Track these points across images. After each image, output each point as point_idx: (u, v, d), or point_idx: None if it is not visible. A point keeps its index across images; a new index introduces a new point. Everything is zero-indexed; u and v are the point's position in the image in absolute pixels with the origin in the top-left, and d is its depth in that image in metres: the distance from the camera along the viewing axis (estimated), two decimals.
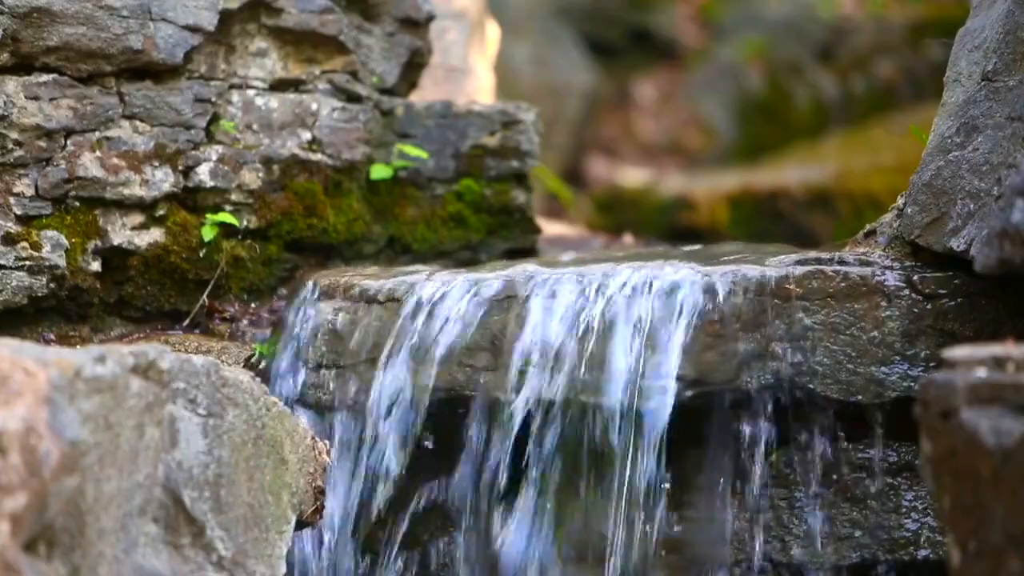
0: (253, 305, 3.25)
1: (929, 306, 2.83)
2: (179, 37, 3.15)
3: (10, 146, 3.02)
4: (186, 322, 3.20)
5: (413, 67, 3.51)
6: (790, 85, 7.61)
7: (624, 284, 2.87)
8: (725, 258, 3.05)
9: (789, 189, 6.16)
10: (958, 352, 2.15)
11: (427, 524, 2.96)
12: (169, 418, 2.38)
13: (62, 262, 3.04)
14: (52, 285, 3.04)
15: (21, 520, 2.02)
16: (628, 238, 4.34)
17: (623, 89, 8.05)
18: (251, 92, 3.28)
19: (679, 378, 2.80)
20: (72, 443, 2.11)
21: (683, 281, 2.85)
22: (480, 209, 3.45)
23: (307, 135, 3.31)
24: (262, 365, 3.10)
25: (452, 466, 2.93)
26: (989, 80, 2.88)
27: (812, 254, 2.99)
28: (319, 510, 2.63)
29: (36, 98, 3.04)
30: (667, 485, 2.86)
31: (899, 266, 2.89)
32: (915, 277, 2.85)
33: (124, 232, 3.14)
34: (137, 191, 3.13)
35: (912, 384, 2.78)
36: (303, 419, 2.92)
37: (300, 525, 2.60)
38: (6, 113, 3.01)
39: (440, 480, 2.95)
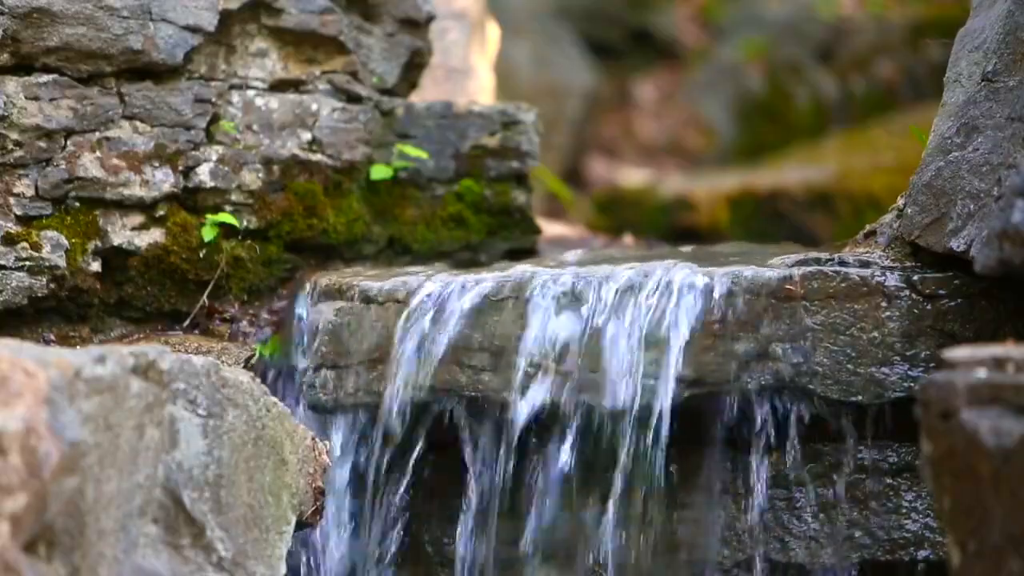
0: (253, 306, 3.25)
1: (929, 307, 2.83)
2: (179, 37, 3.15)
3: (10, 146, 3.02)
4: (186, 323, 3.20)
5: (413, 67, 3.51)
6: (790, 85, 7.61)
7: (624, 284, 2.87)
8: (725, 258, 3.05)
9: (789, 189, 6.15)
10: (958, 353, 2.15)
11: (426, 522, 2.96)
12: (169, 419, 2.38)
13: (62, 262, 3.04)
14: (52, 285, 3.04)
15: (21, 521, 2.02)
16: (628, 238, 4.34)
17: (623, 89, 8.04)
18: (251, 92, 3.28)
19: (679, 378, 2.80)
20: (72, 444, 2.11)
21: (683, 281, 2.85)
22: (480, 210, 3.45)
23: (307, 135, 3.31)
24: (262, 366, 3.10)
25: (453, 466, 2.93)
26: (989, 80, 2.88)
27: (812, 254, 2.98)
28: (319, 511, 2.63)
29: (36, 98, 3.04)
30: (667, 485, 2.86)
31: (899, 267, 2.89)
32: (915, 278, 2.85)
33: (124, 232, 3.14)
34: (137, 191, 3.13)
35: (912, 384, 2.78)
36: (303, 420, 2.93)
37: (300, 526, 2.60)
38: (6, 113, 3.01)
39: (441, 480, 2.95)
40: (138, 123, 3.14)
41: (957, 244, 2.81)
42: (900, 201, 3.01)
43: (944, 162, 2.89)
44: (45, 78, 3.06)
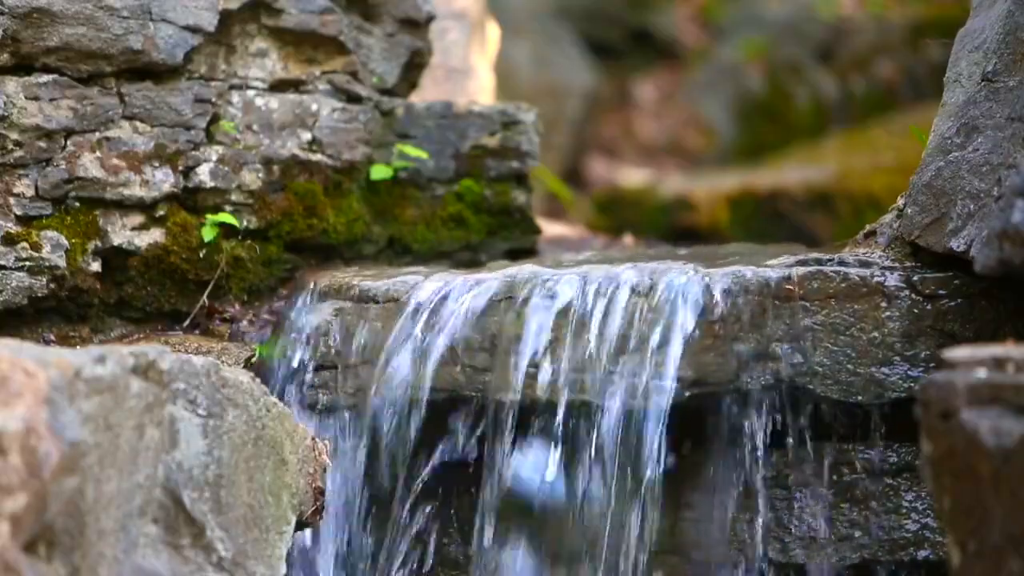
0: (253, 306, 3.25)
1: (929, 307, 2.83)
2: (179, 37, 3.15)
3: (10, 146, 3.02)
4: (186, 323, 3.20)
5: (413, 67, 3.51)
6: (790, 85, 7.61)
7: (624, 285, 2.87)
8: (725, 258, 3.05)
9: (789, 189, 6.15)
10: (958, 353, 2.15)
11: (428, 524, 2.96)
12: (169, 419, 2.38)
13: (62, 262, 3.04)
14: (52, 285, 3.04)
15: (21, 521, 2.02)
16: (628, 239, 4.34)
17: (623, 89, 8.04)
18: (251, 92, 3.28)
19: (679, 379, 2.80)
20: (72, 444, 2.11)
21: (683, 282, 2.85)
22: (480, 210, 3.45)
23: (307, 135, 3.31)
24: (262, 366, 3.10)
25: (453, 466, 2.93)
26: (989, 80, 2.88)
27: (812, 255, 2.99)
28: (319, 511, 2.63)
29: (36, 98, 3.04)
30: (667, 485, 2.86)
31: (899, 267, 2.89)
32: (915, 278, 2.85)
33: (124, 232, 3.14)
34: (137, 191, 3.13)
35: (912, 385, 2.78)
36: (303, 419, 2.92)
37: (300, 526, 2.60)
38: (6, 113, 3.01)
39: (440, 480, 2.95)
40: (138, 123, 3.14)
41: (957, 244, 2.81)
42: (900, 201, 3.01)
43: (944, 162, 2.89)
44: (45, 78, 3.06)
